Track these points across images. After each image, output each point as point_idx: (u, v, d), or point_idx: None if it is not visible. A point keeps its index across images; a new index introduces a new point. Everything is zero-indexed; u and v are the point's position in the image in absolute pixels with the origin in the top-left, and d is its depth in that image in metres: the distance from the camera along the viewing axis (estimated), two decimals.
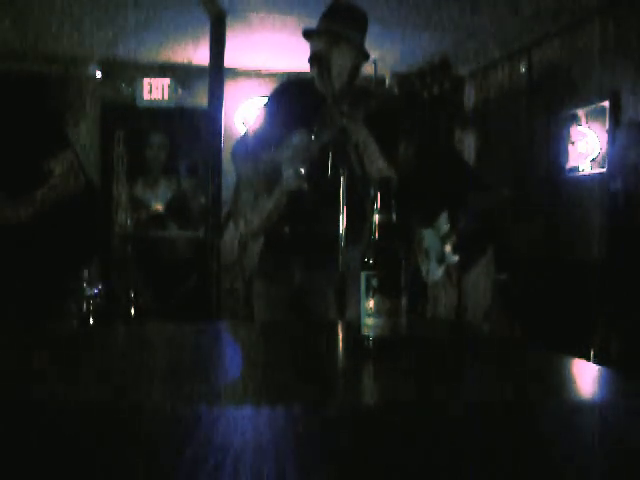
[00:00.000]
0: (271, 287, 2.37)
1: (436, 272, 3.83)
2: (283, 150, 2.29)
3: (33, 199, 2.38)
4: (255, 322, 2.36)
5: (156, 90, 5.52)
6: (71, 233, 2.53)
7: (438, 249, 3.81)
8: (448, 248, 3.75)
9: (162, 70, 5.50)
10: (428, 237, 3.89)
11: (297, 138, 2.26)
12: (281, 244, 2.30)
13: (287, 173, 2.25)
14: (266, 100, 2.52)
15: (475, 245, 3.73)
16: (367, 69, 4.97)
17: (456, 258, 3.71)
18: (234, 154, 2.51)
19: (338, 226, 2.10)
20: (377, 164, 2.23)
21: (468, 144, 5.56)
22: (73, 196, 2.47)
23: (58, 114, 2.79)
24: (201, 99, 4.67)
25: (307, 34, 2.33)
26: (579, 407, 0.87)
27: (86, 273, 2.68)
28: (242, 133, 2.55)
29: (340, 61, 2.27)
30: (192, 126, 5.22)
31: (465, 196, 3.69)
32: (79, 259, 2.61)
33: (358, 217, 2.16)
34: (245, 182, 2.40)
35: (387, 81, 5.13)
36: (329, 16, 2.31)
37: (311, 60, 2.28)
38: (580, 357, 1.13)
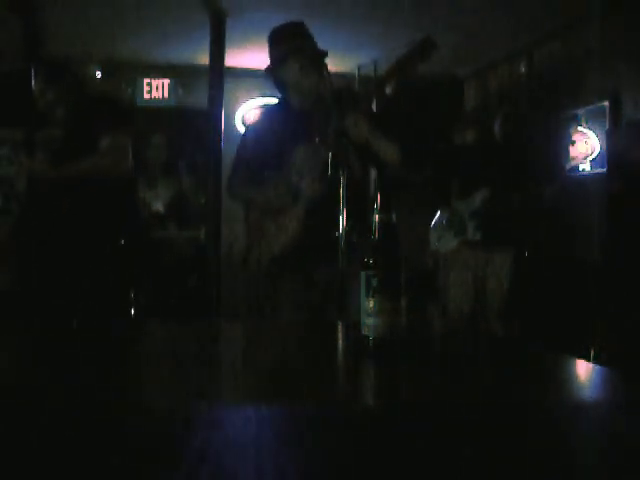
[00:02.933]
0: (295, 288, 2.39)
1: (450, 243, 3.83)
2: (291, 166, 2.34)
3: (74, 164, 2.67)
4: (255, 322, 2.36)
5: (156, 90, 5.52)
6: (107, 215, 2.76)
7: (460, 222, 3.80)
8: (472, 225, 3.75)
9: (162, 70, 5.50)
10: (456, 207, 3.87)
11: (302, 150, 2.32)
12: (305, 247, 2.33)
13: (305, 183, 2.30)
14: (248, 129, 2.63)
15: (498, 231, 3.72)
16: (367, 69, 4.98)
17: (477, 237, 3.71)
18: (231, 187, 2.55)
19: (363, 226, 2.17)
20: (390, 150, 2.31)
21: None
22: (119, 176, 2.76)
23: (118, 100, 3.00)
24: (201, 99, 4.67)
25: (273, 67, 2.41)
26: (579, 407, 0.87)
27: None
28: (232, 167, 2.58)
29: (314, 75, 2.35)
30: (192, 126, 5.22)
31: (506, 182, 3.70)
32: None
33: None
34: (257, 205, 2.45)
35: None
36: (281, 41, 2.39)
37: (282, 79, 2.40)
38: (580, 357, 1.13)
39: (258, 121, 2.62)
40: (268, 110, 2.71)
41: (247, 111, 5.66)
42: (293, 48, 2.34)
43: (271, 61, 2.41)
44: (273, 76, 2.43)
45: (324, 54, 2.36)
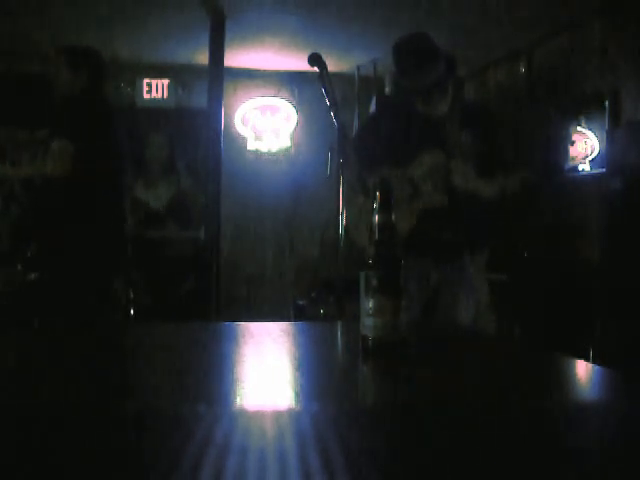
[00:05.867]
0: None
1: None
2: (416, 166, 2.34)
3: (22, 167, 3.07)
4: (254, 323, 2.36)
5: (156, 90, 5.52)
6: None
7: None
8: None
9: (162, 70, 5.50)
10: None
11: (430, 156, 2.33)
12: (418, 249, 2.35)
13: (426, 188, 2.33)
14: (370, 120, 2.59)
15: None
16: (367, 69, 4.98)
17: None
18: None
19: (467, 232, 2.24)
20: (488, 191, 2.40)
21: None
22: (59, 177, 2.91)
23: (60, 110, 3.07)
24: (201, 99, 4.67)
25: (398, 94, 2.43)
26: (579, 407, 0.86)
27: None
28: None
29: (441, 99, 2.36)
30: (192, 126, 5.22)
31: None
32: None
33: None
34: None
35: (386, 81, 5.13)
36: (410, 70, 2.34)
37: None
38: (580, 357, 1.13)
39: (379, 113, 2.60)
40: (393, 105, 2.68)
41: (247, 111, 5.66)
42: (422, 80, 2.31)
43: (398, 86, 2.40)
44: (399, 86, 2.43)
45: (451, 75, 2.34)
